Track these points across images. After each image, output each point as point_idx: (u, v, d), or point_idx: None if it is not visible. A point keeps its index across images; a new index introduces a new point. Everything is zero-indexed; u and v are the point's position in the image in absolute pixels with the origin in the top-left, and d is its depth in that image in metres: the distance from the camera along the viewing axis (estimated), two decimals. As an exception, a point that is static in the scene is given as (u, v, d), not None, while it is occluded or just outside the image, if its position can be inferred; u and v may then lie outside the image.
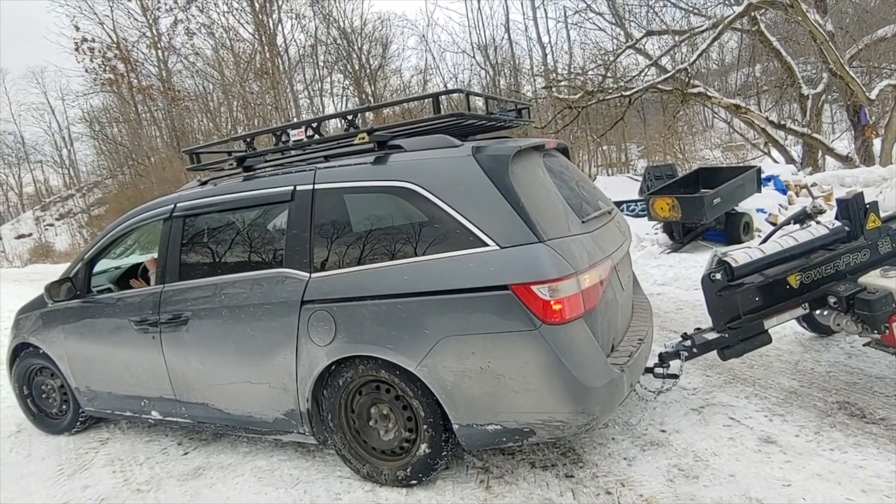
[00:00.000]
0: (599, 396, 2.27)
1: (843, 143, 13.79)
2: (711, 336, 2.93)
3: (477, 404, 2.35)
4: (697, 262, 6.38)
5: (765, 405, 3.00)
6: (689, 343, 2.93)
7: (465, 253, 2.32)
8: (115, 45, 15.53)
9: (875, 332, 2.85)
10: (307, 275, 2.64)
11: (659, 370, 2.93)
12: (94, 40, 15.48)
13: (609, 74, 13.21)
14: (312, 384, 2.66)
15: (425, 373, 2.38)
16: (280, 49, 17.19)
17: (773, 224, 7.42)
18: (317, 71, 21.95)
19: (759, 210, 7.43)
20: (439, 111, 2.78)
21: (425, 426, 2.51)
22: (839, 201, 3.19)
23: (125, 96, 17.19)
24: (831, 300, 2.95)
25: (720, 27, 12.24)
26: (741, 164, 9.76)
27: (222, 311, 2.85)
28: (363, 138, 2.74)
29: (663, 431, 2.86)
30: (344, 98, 23.49)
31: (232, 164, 3.29)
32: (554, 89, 13.60)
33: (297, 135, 3.05)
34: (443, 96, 2.87)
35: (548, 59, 18.69)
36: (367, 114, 15.82)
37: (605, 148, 21.10)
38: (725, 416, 2.92)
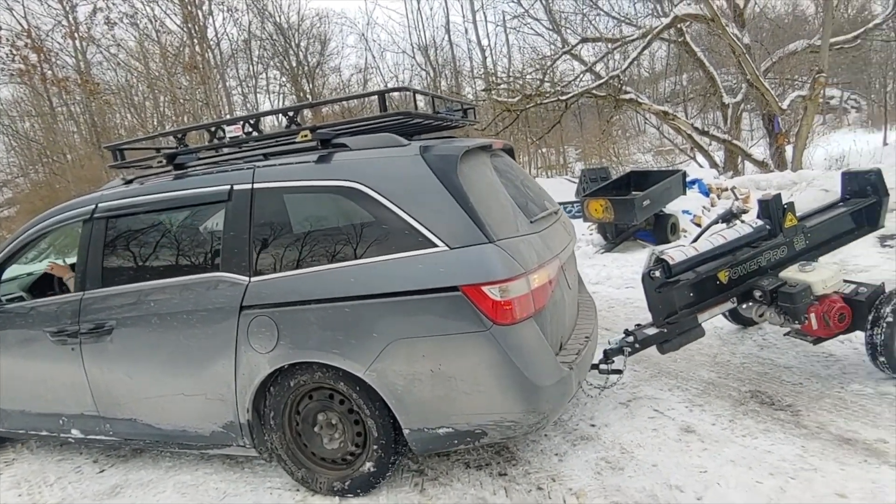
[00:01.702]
0: (550, 395, 2.30)
1: (760, 150, 14.78)
2: (652, 331, 3.04)
3: (428, 408, 2.33)
4: (629, 261, 6.66)
5: (686, 396, 3.16)
6: (631, 339, 3.02)
7: (414, 254, 2.28)
8: (25, 34, 14.37)
9: (796, 322, 3.08)
10: (246, 279, 2.54)
11: (604, 366, 3.02)
12: (0, 27, 14.29)
13: (546, 79, 13.55)
14: (253, 394, 2.56)
15: (374, 378, 2.33)
16: (211, 43, 16.50)
17: (698, 225, 7.85)
18: (251, 67, 21.23)
19: (684, 211, 7.83)
20: (385, 109, 2.73)
21: (375, 446, 2.48)
22: (760, 202, 3.38)
23: (38, 88, 15.93)
24: (757, 294, 3.14)
25: (649, 37, 12.86)
26: (669, 168, 10.26)
27: (151, 319, 2.69)
28: (305, 136, 2.65)
29: (593, 426, 2.96)
30: (281, 95, 22.85)
31: (161, 162, 3.10)
32: (493, 92, 13.80)
33: (233, 131, 2.92)
34: (386, 95, 2.82)
35: (487, 61, 19.01)
36: (306, 112, 15.46)
37: (543, 150, 21.64)
38: (650, 409, 3.05)
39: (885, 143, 19.07)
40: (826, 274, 3.09)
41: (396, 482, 2.65)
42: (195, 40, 14.79)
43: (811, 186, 8.44)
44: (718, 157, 14.96)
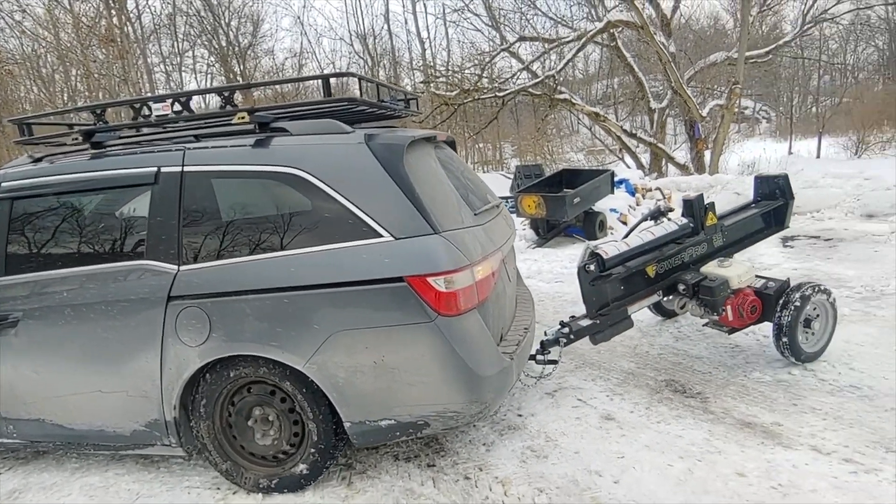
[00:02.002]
0: (492, 385, 2.32)
1: (682, 153, 15.69)
2: (585, 323, 3.16)
3: (370, 400, 2.29)
4: (559, 256, 6.88)
5: (607, 386, 3.30)
6: (567, 330, 3.13)
7: (358, 244, 2.24)
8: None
9: (714, 314, 3.31)
10: (175, 267, 2.39)
11: (540, 357, 3.10)
12: None
13: (485, 75, 13.69)
14: (181, 389, 2.43)
15: (314, 370, 2.27)
16: (131, 15, 15.37)
17: (624, 223, 8.22)
18: (176, 44, 19.99)
19: (612, 210, 8.18)
20: (330, 94, 2.64)
21: (313, 450, 2.42)
22: (685, 201, 3.59)
23: (-72, 53, 14.24)
24: (680, 287, 3.35)
25: (584, 40, 13.28)
26: (599, 168, 10.67)
27: (64, 311, 2.48)
28: (243, 118, 2.51)
29: (520, 416, 3.03)
30: (209, 76, 21.70)
31: (76, 139, 2.84)
32: (432, 85, 13.78)
33: (160, 109, 2.72)
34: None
35: (427, 54, 18.95)
36: (237, 94, 14.77)
37: (480, 145, 21.90)
38: (574, 398, 3.17)
39: (790, 153, 20.76)
40: (741, 269, 3.35)
41: (323, 476, 2.60)
42: (113, 11, 13.72)
43: (725, 189, 9.08)
44: (644, 158, 15.75)
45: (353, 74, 2.95)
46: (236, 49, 20.76)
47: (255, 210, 2.43)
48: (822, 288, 3.31)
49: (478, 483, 2.47)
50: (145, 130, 3.01)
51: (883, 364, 3.20)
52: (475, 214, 2.65)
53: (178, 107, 2.72)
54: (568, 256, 6.78)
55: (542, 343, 3.12)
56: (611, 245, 3.27)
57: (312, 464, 2.45)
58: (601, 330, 3.16)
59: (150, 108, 2.76)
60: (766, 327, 3.70)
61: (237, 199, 2.47)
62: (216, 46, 20.70)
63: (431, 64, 16.63)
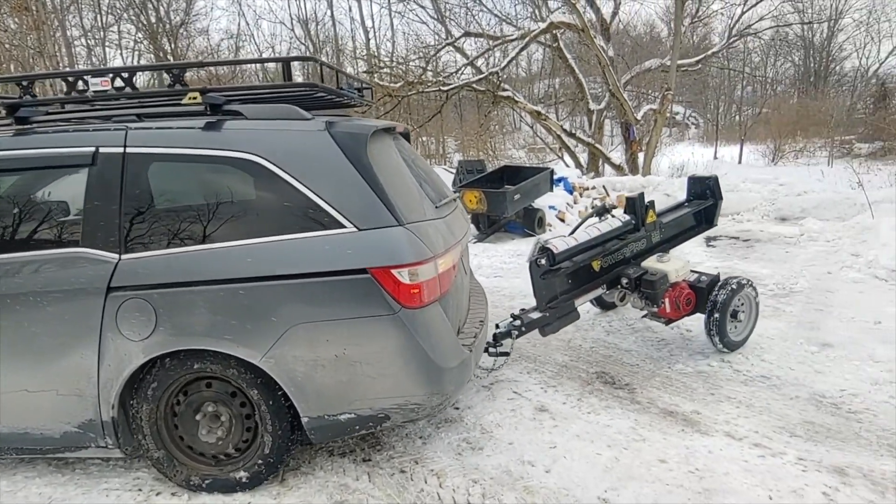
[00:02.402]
0: (453, 376, 2.33)
1: (618, 154, 16.32)
2: (536, 315, 3.23)
3: (330, 394, 2.24)
4: (498, 251, 6.99)
5: (542, 378, 3.39)
6: (518, 323, 3.19)
7: (320, 234, 2.18)
8: None
9: (654, 306, 3.50)
10: (115, 256, 2.24)
11: (492, 349, 3.14)
12: None
13: (429, 68, 13.65)
14: (121, 387, 2.27)
15: (271, 365, 2.19)
16: (50, -18, 14.18)
17: (562, 220, 8.46)
18: (99, 17, 18.64)
19: (550, 207, 8.39)
20: (290, 78, 2.55)
21: (261, 461, 2.36)
22: (628, 199, 3.76)
23: None
24: (623, 281, 3.51)
25: (527, 39, 13.49)
26: (539, 166, 10.91)
27: None
28: (194, 98, 2.36)
29: (457, 409, 3.06)
30: (136, 53, 20.36)
31: None
32: (376, 75, 13.60)
33: (99, 84, 2.51)
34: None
35: (371, 43, 18.66)
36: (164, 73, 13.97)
37: (424, 139, 21.85)
38: (510, 391, 3.24)
39: (715, 157, 22.04)
40: (678, 264, 3.58)
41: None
42: (28, -24, 12.58)
43: (656, 190, 9.51)
44: (583, 158, 16.26)
45: (314, 59, 2.88)
46: (167, 26, 19.61)
47: (207, 197, 2.31)
48: (748, 282, 3.59)
49: (413, 476, 2.48)
50: (70, 107, 2.78)
51: (790, 356, 3.47)
52: (436, 207, 2.65)
53: (120, 82, 2.53)
54: (507, 252, 6.90)
55: (494, 335, 3.17)
56: (560, 240, 3.37)
57: (255, 475, 2.38)
58: (550, 322, 3.26)
59: (86, 83, 2.56)
60: (690, 321, 3.93)
61: (187, 184, 2.36)
62: (144, 22, 19.47)
63: (376, 54, 16.41)
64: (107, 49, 19.66)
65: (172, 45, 19.53)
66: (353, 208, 2.20)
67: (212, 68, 15.56)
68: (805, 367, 3.30)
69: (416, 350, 2.22)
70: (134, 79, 2.61)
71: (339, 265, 2.15)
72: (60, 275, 2.25)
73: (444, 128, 22.44)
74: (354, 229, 2.19)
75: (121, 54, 20.43)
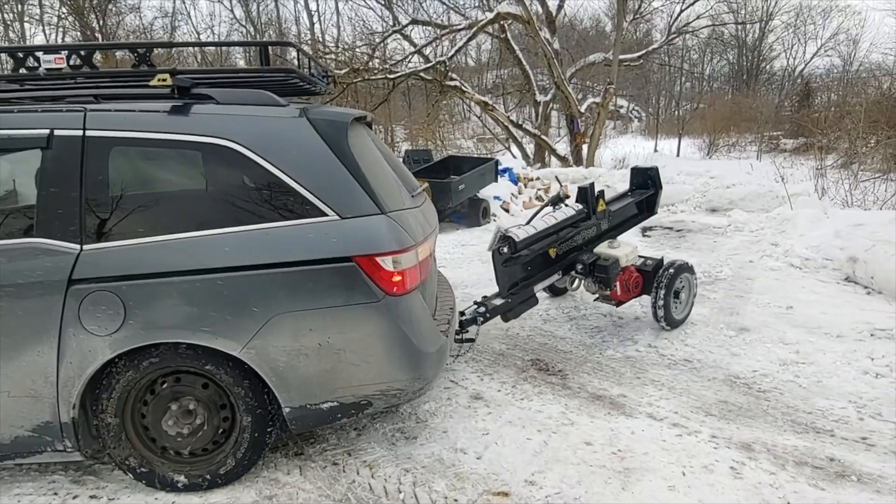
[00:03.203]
0: (433, 361, 2.37)
1: (564, 146, 16.68)
2: (498, 301, 3.35)
3: (313, 383, 2.23)
4: (442, 241, 7.00)
5: (479, 367, 3.46)
6: (482, 309, 3.28)
7: (302, 223, 2.16)
8: None
9: (607, 289, 3.72)
10: (76, 247, 2.12)
11: (457, 336, 3.19)
12: None
13: (376, 55, 13.46)
14: (83, 386, 2.14)
15: (252, 356, 2.15)
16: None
17: (506, 210, 8.58)
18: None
19: (495, 197, 8.50)
20: (267, 63, 2.48)
21: (237, 455, 2.31)
22: (580, 189, 3.91)
23: None
24: (578, 267, 3.69)
25: (474, 29, 13.53)
26: (485, 156, 11.01)
27: None
28: (164, 80, 2.25)
29: (393, 398, 3.07)
30: (60, 30, 19.00)
31: None
32: (321, 61, 13.28)
33: (53, 62, 2.35)
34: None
35: (315, 27, 18.19)
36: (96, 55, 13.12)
37: (373, 127, 21.59)
38: (447, 380, 3.28)
39: (655, 150, 22.88)
40: (627, 250, 3.81)
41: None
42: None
43: (598, 182, 9.81)
44: (530, 149, 16.53)
45: (291, 44, 2.86)
46: (94, 1, 18.36)
47: (178, 184, 2.24)
48: (687, 265, 3.87)
49: (345, 468, 2.48)
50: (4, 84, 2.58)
51: (710, 340, 3.68)
52: (412, 196, 2.68)
53: (77, 60, 2.41)
54: (451, 242, 6.94)
55: (460, 322, 3.22)
56: (519, 229, 3.49)
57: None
58: (512, 307, 3.40)
59: (38, 60, 2.38)
60: (623, 309, 4.09)
61: (155, 171, 2.27)
62: (70, -4, 18.16)
63: (320, 39, 16.01)
64: (25, 24, 18.26)
65: (101, 23, 18.33)
66: (335, 196, 2.19)
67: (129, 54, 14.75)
68: (723, 351, 3.51)
69: (399, 336, 2.25)
70: (93, 57, 2.50)
71: (323, 253, 2.15)
72: (12, 267, 2.10)
73: (393, 116, 22.25)
74: (337, 217, 2.18)
75: (43, 31, 19.02)
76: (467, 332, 3.26)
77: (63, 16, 18.57)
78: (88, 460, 2.36)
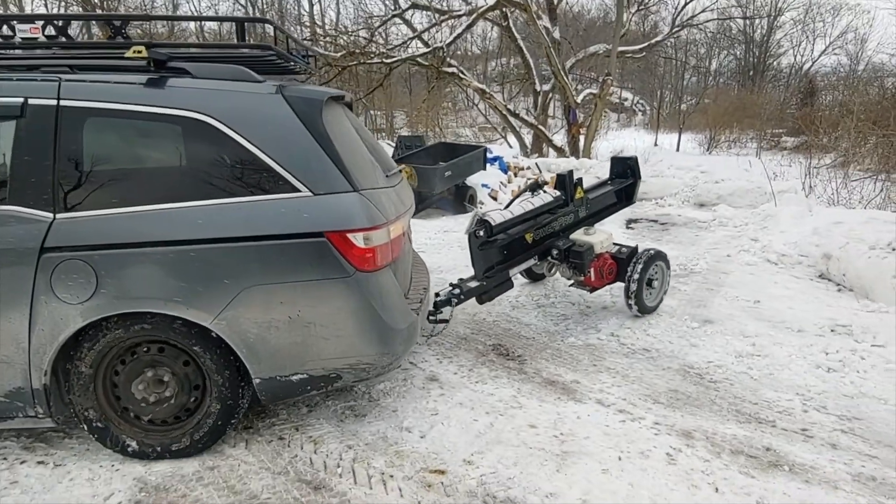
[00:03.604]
0: (403, 337, 2.43)
1: (562, 137, 16.58)
2: (474, 284, 3.40)
3: (282, 355, 2.29)
4: (426, 227, 7.03)
5: (440, 350, 3.49)
6: (457, 291, 3.32)
7: (274, 198, 2.21)
8: None
9: (581, 275, 3.77)
10: (49, 215, 2.16)
11: (432, 317, 3.23)
12: None
13: (375, 39, 13.37)
14: (55, 352, 2.19)
15: (223, 327, 2.20)
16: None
17: (494, 198, 8.57)
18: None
19: (483, 185, 8.48)
20: (244, 39, 2.51)
21: (208, 423, 2.35)
22: (558, 176, 3.97)
23: None
24: (554, 252, 3.73)
25: (474, 15, 13.41)
26: (473, 144, 10.96)
27: None
28: (139, 52, 2.27)
29: (349, 378, 3.10)
30: (62, 3, 18.84)
31: None
32: (321, 43, 13.21)
33: (28, 31, 2.37)
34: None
35: (315, 9, 18.07)
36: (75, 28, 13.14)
37: (373, 112, 21.47)
38: (406, 361, 3.31)
39: (655, 144, 22.76)
40: (602, 237, 3.87)
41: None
42: None
43: (588, 173, 9.77)
44: (528, 139, 16.44)
45: (269, 21, 2.87)
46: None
47: (152, 156, 2.29)
48: (661, 254, 3.96)
49: (290, 443, 2.51)
50: None
51: (672, 331, 3.70)
52: (387, 177, 2.71)
53: (52, 30, 2.41)
54: (434, 228, 6.95)
55: (434, 303, 3.27)
56: (497, 213, 3.54)
57: (202, 436, 2.36)
58: (487, 290, 3.45)
59: (13, 29, 2.40)
60: (592, 298, 4.11)
61: (129, 142, 2.30)
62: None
63: (319, 23, 15.92)
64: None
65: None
66: (309, 173, 2.24)
67: (147, 27, 14.70)
68: (683, 341, 3.53)
69: (369, 312, 2.30)
70: (69, 28, 2.50)
71: (295, 228, 2.19)
72: None
73: (395, 102, 22.14)
74: (310, 194, 2.22)
75: (45, 3, 18.87)
76: (441, 312, 3.31)
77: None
78: (60, 426, 2.41)
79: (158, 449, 2.36)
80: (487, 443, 2.50)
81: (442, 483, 2.24)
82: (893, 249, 4.25)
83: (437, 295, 3.31)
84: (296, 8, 19.37)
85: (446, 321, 3.32)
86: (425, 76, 20.64)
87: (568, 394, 2.94)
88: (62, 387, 2.33)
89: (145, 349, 2.33)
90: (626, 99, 37.72)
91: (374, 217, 2.31)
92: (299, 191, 2.23)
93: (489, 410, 2.77)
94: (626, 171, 4.46)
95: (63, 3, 18.22)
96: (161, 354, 2.34)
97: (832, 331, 3.62)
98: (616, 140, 20.68)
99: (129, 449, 2.36)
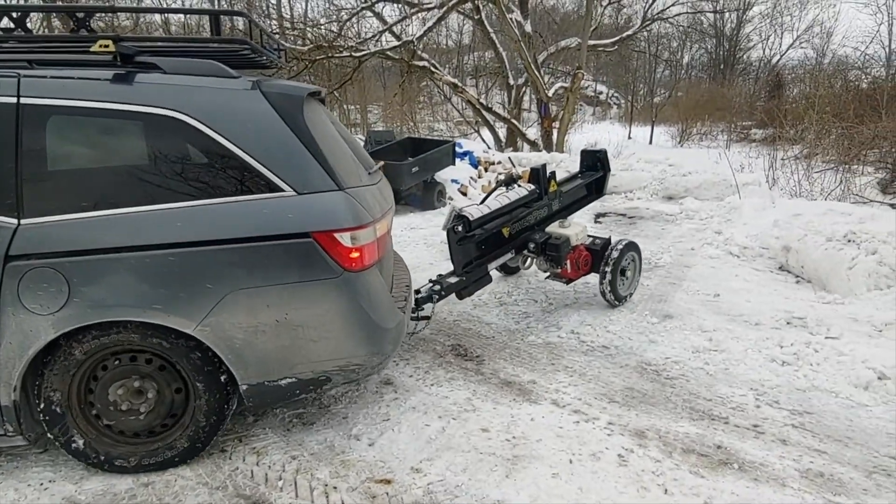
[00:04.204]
0: (391, 336, 2.40)
1: (535, 130, 16.58)
2: (453, 280, 3.41)
3: (271, 359, 2.23)
4: (394, 224, 6.93)
5: (397, 351, 3.40)
6: (438, 287, 3.33)
7: (258, 198, 2.14)
8: None
9: (558, 267, 3.82)
10: (13, 221, 2.03)
11: (413, 315, 3.17)
12: None
13: (344, 33, 13.14)
14: (25, 367, 2.07)
15: (207, 333, 2.13)
16: None
17: (464, 194, 8.50)
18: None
19: (453, 180, 8.40)
20: (219, 32, 2.43)
21: (191, 434, 2.27)
22: (532, 170, 3.98)
23: None
24: (531, 245, 3.77)
25: (444, 8, 13.28)
26: (442, 139, 10.87)
27: None
28: (106, 46, 2.14)
29: (301, 383, 3.00)
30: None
31: None
32: (290, 36, 12.94)
33: None
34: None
35: (283, 1, 17.66)
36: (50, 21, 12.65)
37: (346, 107, 21.20)
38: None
39: (629, 137, 22.94)
40: (578, 229, 3.91)
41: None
42: None
43: (559, 167, 9.77)
44: (503, 133, 16.39)
45: (244, 14, 2.78)
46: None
47: (125, 156, 2.17)
48: (633, 244, 4.04)
49: (232, 455, 2.42)
50: None
51: (633, 327, 3.68)
52: (369, 174, 2.68)
53: (8, 23, 2.32)
54: (402, 225, 6.86)
55: (416, 300, 3.21)
56: (474, 208, 3.52)
57: (186, 448, 2.29)
58: (467, 286, 3.46)
59: None
60: (555, 295, 4.07)
61: (98, 142, 2.19)
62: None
63: (287, 15, 15.60)
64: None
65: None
66: (292, 172, 2.17)
67: (110, 19, 14.20)
68: (642, 338, 3.51)
69: (357, 312, 2.26)
70: (27, 21, 2.39)
71: (280, 229, 2.13)
72: None
73: (369, 97, 21.87)
74: (294, 193, 2.16)
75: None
76: (423, 309, 3.30)
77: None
78: (31, 444, 2.28)
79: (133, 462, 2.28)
80: (438, 449, 2.43)
81: (387, 493, 2.17)
82: (849, 241, 4.30)
83: (417, 292, 3.30)
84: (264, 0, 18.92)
85: (428, 318, 3.33)
86: (399, 70, 20.49)
87: (524, 395, 2.89)
88: (32, 403, 2.21)
89: (117, 361, 2.23)
90: (601, 92, 37.94)
91: (361, 216, 2.26)
92: (283, 190, 2.17)
93: (442, 414, 2.71)
94: (595, 164, 4.51)
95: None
96: (136, 364, 2.24)
97: (788, 323, 3.65)
98: (591, 133, 20.76)
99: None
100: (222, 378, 2.27)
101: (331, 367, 2.31)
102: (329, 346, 2.27)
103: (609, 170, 4.57)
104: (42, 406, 2.19)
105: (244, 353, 2.20)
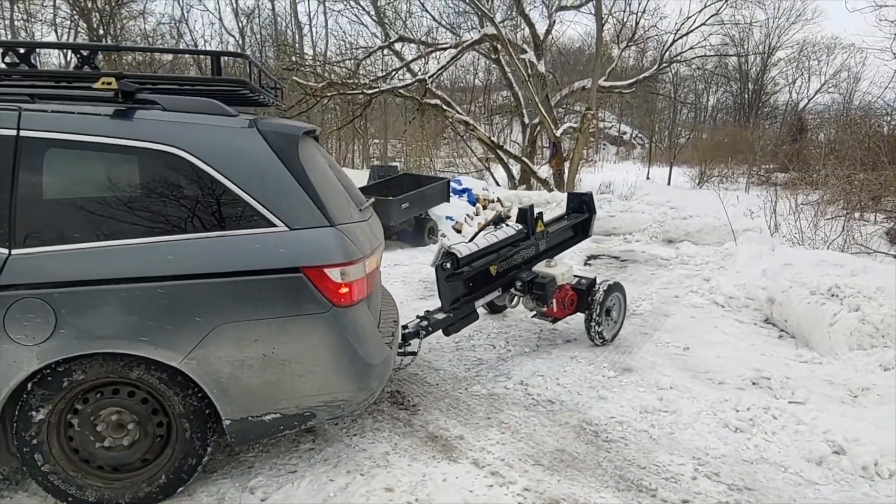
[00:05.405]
0: (378, 372, 2.40)
1: (548, 169, 16.52)
2: (441, 316, 3.44)
3: (255, 394, 2.23)
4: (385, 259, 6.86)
5: (332, 396, 3.26)
6: (425, 323, 3.36)
7: (249, 233, 2.18)
8: None
9: (544, 306, 3.85)
10: (4, 251, 2.05)
11: (400, 350, 3.16)
12: None
13: (361, 71, 13.50)
14: (5, 398, 2.07)
15: (193, 366, 2.13)
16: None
17: (458, 231, 8.42)
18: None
19: (448, 217, 8.35)
20: (220, 73, 2.52)
21: (173, 469, 2.24)
22: (520, 210, 4.13)
23: None
24: (518, 284, 3.82)
25: (460, 48, 13.56)
26: (437, 175, 10.86)
27: None
28: (108, 83, 2.20)
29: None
30: (72, 32, 19.25)
31: None
32: (303, 72, 13.34)
33: None
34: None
35: (304, 41, 18.33)
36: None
37: (367, 141, 21.62)
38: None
39: (647, 178, 22.69)
40: (564, 269, 3.92)
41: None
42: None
43: (560, 206, 9.64)
44: (516, 170, 16.38)
45: (243, 55, 2.88)
46: (99, 4, 18.58)
47: (119, 190, 2.19)
48: (618, 285, 4.08)
49: None
50: None
51: (586, 381, 3.46)
52: (360, 210, 2.72)
53: (13, 58, 2.37)
54: (386, 260, 6.77)
55: (403, 335, 3.20)
56: (463, 246, 3.59)
57: (167, 482, 2.25)
58: (454, 322, 3.49)
59: None
60: (514, 343, 3.90)
61: (94, 176, 2.22)
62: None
63: (298, 51, 16.13)
64: (34, 24, 18.48)
65: (106, 28, 18.52)
66: (285, 207, 2.21)
67: (135, 58, 14.92)
68: (592, 393, 3.29)
69: (345, 347, 2.27)
70: (32, 56, 2.45)
71: (270, 264, 2.16)
72: None
73: (390, 132, 22.28)
74: (285, 228, 2.20)
75: (55, 32, 19.25)
76: (409, 345, 3.26)
77: (74, 18, 18.72)
78: (5, 476, 2.26)
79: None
80: (331, 509, 2.26)
81: (259, 557, 2.01)
82: (833, 295, 4.02)
83: (405, 327, 3.28)
84: (289, 36, 19.68)
85: (414, 353, 3.30)
86: (417, 107, 20.85)
87: (446, 451, 2.70)
88: (9, 435, 2.17)
89: (99, 394, 2.20)
90: (624, 132, 37.96)
91: (351, 252, 2.28)
92: (275, 225, 2.20)
93: (351, 469, 2.54)
94: (581, 206, 4.59)
95: (75, 31, 18.62)
96: (118, 397, 2.22)
97: (754, 384, 3.38)
98: (610, 172, 20.60)
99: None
100: (206, 412, 2.24)
101: (316, 402, 2.30)
102: (315, 381, 2.27)
103: (594, 212, 4.63)
104: (17, 438, 2.14)
105: (230, 387, 2.19)
